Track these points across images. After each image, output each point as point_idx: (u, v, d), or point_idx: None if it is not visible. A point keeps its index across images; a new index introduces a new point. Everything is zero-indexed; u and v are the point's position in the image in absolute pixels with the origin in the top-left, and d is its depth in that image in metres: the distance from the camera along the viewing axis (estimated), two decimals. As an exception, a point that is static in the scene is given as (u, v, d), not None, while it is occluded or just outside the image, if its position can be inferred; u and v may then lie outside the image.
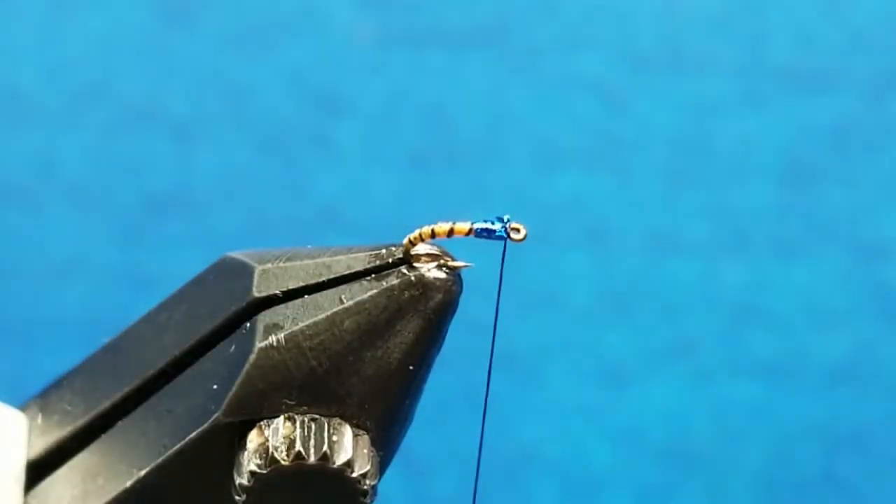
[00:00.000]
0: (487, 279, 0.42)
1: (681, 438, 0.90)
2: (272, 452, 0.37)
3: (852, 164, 0.91)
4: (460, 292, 0.39)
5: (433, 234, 0.39)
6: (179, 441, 0.38)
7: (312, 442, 0.37)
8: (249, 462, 0.37)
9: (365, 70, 0.90)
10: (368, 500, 0.37)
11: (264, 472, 0.36)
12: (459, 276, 0.39)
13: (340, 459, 0.37)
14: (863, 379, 0.90)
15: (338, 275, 0.38)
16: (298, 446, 0.37)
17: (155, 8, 0.89)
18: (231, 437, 0.38)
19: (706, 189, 0.90)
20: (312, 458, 0.37)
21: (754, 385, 0.90)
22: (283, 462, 0.36)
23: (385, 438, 0.39)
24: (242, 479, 0.36)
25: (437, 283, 0.38)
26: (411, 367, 0.38)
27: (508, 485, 0.90)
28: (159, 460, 0.39)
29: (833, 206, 0.90)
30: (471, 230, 0.39)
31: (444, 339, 0.39)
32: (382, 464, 0.39)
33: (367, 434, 0.38)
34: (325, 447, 0.37)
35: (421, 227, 0.39)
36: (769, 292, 0.91)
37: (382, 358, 0.38)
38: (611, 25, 0.90)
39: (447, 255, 0.39)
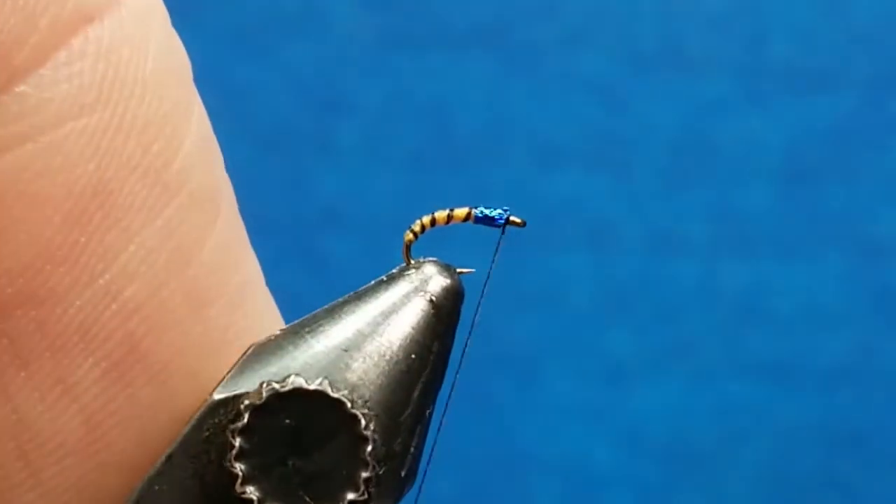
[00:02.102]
0: (484, 281, 0.42)
1: (681, 438, 0.90)
2: (271, 384, 0.36)
3: (852, 164, 0.91)
4: (461, 285, 0.39)
5: (433, 221, 0.39)
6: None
7: (314, 374, 0.37)
8: (246, 400, 0.36)
9: (365, 70, 0.90)
10: (370, 449, 0.36)
11: (260, 401, 0.36)
12: (458, 275, 0.39)
13: (342, 390, 0.36)
14: (863, 379, 0.90)
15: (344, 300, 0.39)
16: (296, 379, 0.36)
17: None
18: (226, 422, 0.37)
19: (706, 189, 0.90)
20: (312, 385, 0.36)
21: (754, 385, 0.90)
22: (280, 389, 0.36)
23: (392, 428, 0.38)
24: (239, 424, 0.36)
25: (438, 275, 0.39)
26: (413, 356, 0.38)
27: (508, 485, 0.90)
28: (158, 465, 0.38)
29: (833, 206, 0.91)
30: (469, 214, 0.39)
31: (447, 329, 0.39)
32: (400, 468, 0.39)
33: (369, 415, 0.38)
34: (325, 381, 0.36)
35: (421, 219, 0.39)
36: (769, 293, 0.91)
37: (384, 336, 0.38)
38: (611, 25, 0.91)
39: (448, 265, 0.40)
